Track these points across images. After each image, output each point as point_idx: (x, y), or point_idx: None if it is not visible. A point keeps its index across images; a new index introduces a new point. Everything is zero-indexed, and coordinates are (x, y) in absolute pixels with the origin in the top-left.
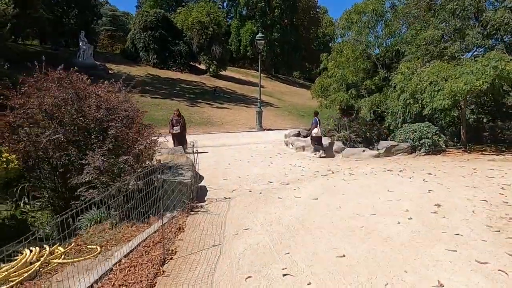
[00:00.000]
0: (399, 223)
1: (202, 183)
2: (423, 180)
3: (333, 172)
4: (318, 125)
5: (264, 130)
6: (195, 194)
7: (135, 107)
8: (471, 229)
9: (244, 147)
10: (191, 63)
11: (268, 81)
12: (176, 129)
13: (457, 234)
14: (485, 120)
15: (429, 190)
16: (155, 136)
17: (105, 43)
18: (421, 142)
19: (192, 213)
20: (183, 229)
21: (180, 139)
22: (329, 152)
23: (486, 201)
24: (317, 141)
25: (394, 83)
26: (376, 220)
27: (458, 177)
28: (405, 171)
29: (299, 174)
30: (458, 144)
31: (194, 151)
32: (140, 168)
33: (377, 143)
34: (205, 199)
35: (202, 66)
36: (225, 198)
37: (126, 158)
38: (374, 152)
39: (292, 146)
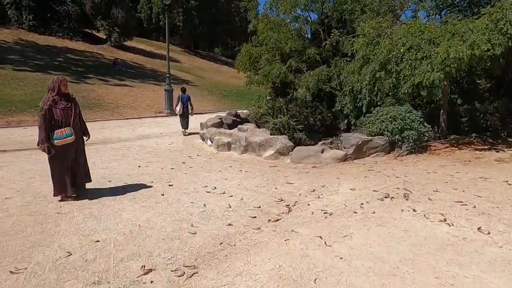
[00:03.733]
0: None
1: None
2: (481, 232)
3: (290, 210)
4: (179, 102)
5: (176, 115)
6: None
7: None
8: None
9: (136, 146)
10: (87, 30)
11: (186, 55)
12: (67, 133)
13: None
14: (459, 102)
15: None
16: None
17: None
18: (403, 135)
19: None
20: None
21: (75, 150)
22: (261, 151)
23: None
24: (182, 117)
25: (352, 50)
26: None
27: None
28: (415, 198)
29: (223, 221)
30: (438, 135)
31: None
32: None
33: (339, 134)
34: None
35: (102, 35)
36: None
37: None
38: (340, 152)
39: (212, 142)
